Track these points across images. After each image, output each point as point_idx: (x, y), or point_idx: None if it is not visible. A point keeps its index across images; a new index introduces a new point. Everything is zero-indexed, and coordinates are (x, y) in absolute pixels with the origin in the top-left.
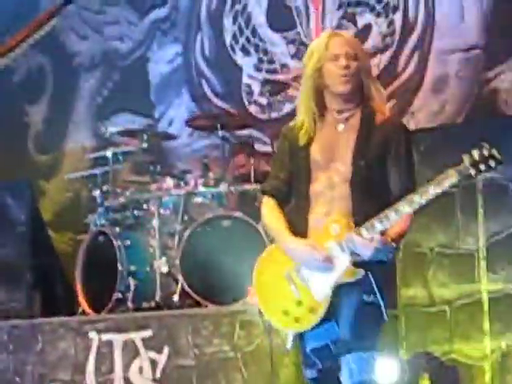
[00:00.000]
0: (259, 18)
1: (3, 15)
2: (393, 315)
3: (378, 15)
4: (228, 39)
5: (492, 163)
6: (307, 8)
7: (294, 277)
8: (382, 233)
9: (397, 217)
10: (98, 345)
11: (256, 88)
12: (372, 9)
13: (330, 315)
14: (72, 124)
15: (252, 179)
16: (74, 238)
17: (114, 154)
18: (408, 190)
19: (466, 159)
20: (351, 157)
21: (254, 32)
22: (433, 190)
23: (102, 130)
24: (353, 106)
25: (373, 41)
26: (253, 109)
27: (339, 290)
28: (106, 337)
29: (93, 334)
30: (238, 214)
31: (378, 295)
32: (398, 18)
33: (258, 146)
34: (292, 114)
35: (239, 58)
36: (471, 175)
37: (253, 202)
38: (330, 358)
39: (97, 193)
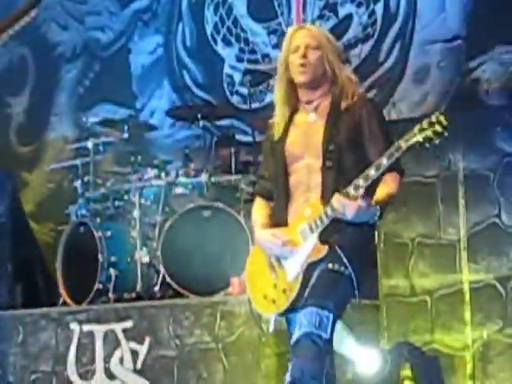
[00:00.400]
0: (240, 8)
1: None
2: (374, 305)
3: (359, 5)
4: (209, 30)
5: (438, 128)
6: None
7: (274, 262)
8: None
9: (378, 172)
10: (79, 336)
11: (237, 78)
12: None
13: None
14: (54, 115)
15: (233, 170)
16: (55, 228)
17: (95, 145)
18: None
19: (417, 126)
20: (321, 143)
21: (236, 22)
22: (404, 144)
23: (83, 121)
24: (320, 94)
25: (354, 31)
26: (234, 99)
27: (311, 267)
28: (87, 328)
29: (74, 325)
30: (218, 204)
31: (349, 267)
32: (379, 8)
33: (238, 137)
34: (273, 105)
35: (220, 48)
36: (420, 141)
37: (233, 193)
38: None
39: (78, 183)
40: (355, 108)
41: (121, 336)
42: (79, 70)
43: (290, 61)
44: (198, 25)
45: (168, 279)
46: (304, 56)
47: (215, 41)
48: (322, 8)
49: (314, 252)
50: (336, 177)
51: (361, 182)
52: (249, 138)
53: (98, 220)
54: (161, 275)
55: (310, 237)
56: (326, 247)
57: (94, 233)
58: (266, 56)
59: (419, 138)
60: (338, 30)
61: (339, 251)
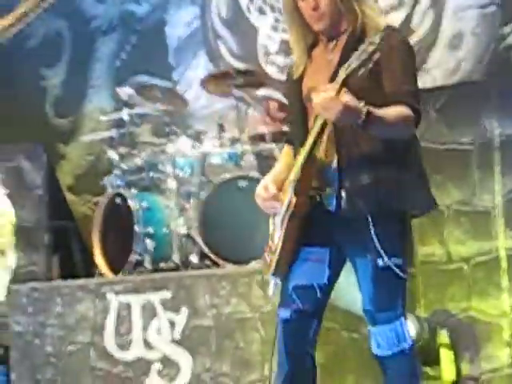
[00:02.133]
0: None
1: None
2: (410, 273)
3: None
4: (244, 0)
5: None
6: None
7: (271, 218)
8: None
9: (361, 54)
10: (116, 306)
11: (272, 48)
12: None
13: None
14: (90, 87)
15: (268, 139)
16: (92, 200)
17: (131, 116)
18: (408, 92)
19: None
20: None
21: None
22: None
23: (119, 92)
24: (342, 31)
25: None
26: (269, 69)
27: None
28: (124, 298)
29: (111, 296)
30: (254, 173)
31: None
32: None
33: (272, 105)
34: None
35: (255, 18)
36: None
37: (269, 162)
38: (311, 300)
39: (114, 155)
40: (379, 38)
41: (158, 306)
42: (115, 43)
43: (301, 7)
44: None
45: (204, 249)
46: (314, 7)
47: (250, 11)
48: None
49: (290, 203)
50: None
51: (341, 72)
52: None
53: (134, 191)
54: (197, 245)
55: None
56: (294, 198)
57: (130, 204)
58: None
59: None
60: None
61: (374, 238)
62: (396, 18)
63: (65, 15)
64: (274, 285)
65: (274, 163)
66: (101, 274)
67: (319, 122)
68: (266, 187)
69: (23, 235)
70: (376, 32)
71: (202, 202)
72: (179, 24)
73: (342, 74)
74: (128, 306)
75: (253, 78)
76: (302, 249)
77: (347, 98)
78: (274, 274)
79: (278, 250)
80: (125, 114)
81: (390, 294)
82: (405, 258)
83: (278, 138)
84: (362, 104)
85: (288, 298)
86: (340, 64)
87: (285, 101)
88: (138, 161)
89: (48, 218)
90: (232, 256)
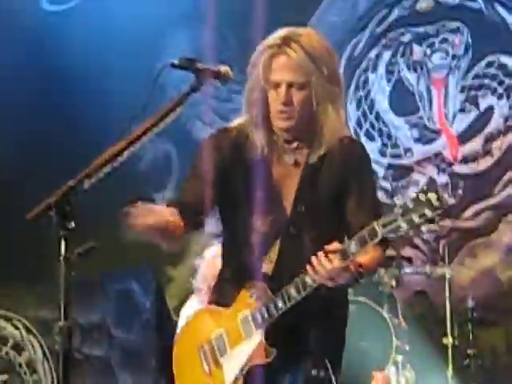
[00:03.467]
0: (382, 102)
1: (132, 105)
2: None
3: (500, 97)
4: (352, 125)
5: (428, 212)
6: (429, 91)
7: (209, 356)
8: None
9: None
10: None
11: (381, 173)
12: (494, 91)
13: None
14: None
15: None
16: None
17: None
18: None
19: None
20: (292, 201)
21: (378, 117)
22: (381, 231)
23: None
24: (303, 136)
25: (495, 123)
26: (379, 194)
27: (275, 372)
28: None
29: None
30: (361, 298)
31: (330, 369)
32: None
33: None
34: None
35: (363, 143)
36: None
37: (377, 287)
38: None
39: None
40: (342, 159)
41: None
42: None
43: (270, 95)
44: None
45: None
46: (286, 102)
47: (358, 136)
48: (463, 101)
49: (259, 354)
50: (299, 248)
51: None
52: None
53: None
54: None
55: (254, 333)
56: (275, 351)
57: None
58: (408, 150)
59: (402, 223)
60: (480, 123)
61: (318, 352)
62: (504, 142)
63: (173, 138)
64: None
65: (380, 288)
66: None
67: None
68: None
69: (131, 357)
70: (340, 150)
71: None
72: None
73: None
74: None
75: None
76: None
77: (354, 265)
78: None
79: None
80: None
81: None
82: None
83: (385, 263)
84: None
85: None
86: (303, 182)
87: None
88: None
89: (155, 340)
90: (338, 380)
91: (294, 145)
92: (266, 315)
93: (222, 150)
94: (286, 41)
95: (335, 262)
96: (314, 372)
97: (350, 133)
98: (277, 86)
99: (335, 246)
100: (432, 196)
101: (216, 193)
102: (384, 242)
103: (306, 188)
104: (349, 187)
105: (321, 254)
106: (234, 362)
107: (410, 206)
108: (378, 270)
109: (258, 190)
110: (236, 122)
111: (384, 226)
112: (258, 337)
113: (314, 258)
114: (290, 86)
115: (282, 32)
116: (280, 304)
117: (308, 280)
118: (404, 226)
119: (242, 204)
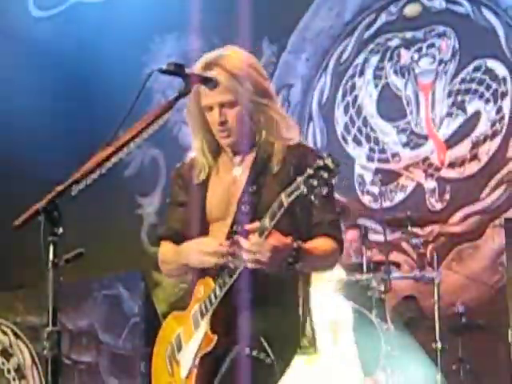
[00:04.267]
0: (370, 107)
1: (119, 110)
2: None
3: (487, 102)
4: (340, 130)
5: (325, 174)
6: (417, 96)
7: (170, 355)
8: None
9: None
10: None
11: (368, 178)
12: (481, 95)
13: None
14: None
15: (364, 269)
16: None
17: None
18: (331, 223)
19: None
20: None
21: (365, 122)
22: (286, 200)
23: None
24: (249, 145)
25: (482, 127)
26: (365, 199)
27: (214, 357)
28: None
29: None
30: (350, 303)
31: (271, 355)
32: (506, 103)
33: (370, 236)
34: (404, 203)
35: (351, 148)
36: (304, 193)
37: (365, 292)
38: None
39: None
40: (285, 162)
41: None
42: None
43: (209, 117)
44: (328, 125)
45: None
46: (221, 122)
47: (346, 141)
48: (451, 105)
49: (205, 342)
50: None
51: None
52: (380, 237)
53: None
54: None
55: (200, 324)
56: (216, 337)
57: None
58: (395, 155)
59: (303, 188)
60: (467, 127)
61: (259, 336)
62: (491, 147)
63: (160, 144)
64: None
65: (369, 293)
66: None
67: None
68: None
69: (118, 362)
70: (285, 151)
71: None
72: None
73: (279, 208)
74: None
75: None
76: None
77: (275, 238)
78: None
79: None
80: None
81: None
82: None
83: (374, 268)
84: (289, 240)
85: None
86: (248, 184)
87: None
88: None
89: (144, 345)
90: None
91: (240, 158)
92: (208, 304)
93: (184, 178)
94: (208, 66)
95: (252, 239)
96: (247, 351)
97: (300, 136)
98: (210, 108)
99: (252, 224)
100: (328, 161)
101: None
102: (333, 234)
103: (249, 191)
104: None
105: (237, 236)
106: (188, 355)
107: (311, 172)
108: (328, 263)
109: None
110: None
111: (288, 195)
112: (204, 327)
113: (230, 241)
114: (221, 106)
115: (203, 58)
116: (217, 291)
117: (230, 265)
118: (305, 190)
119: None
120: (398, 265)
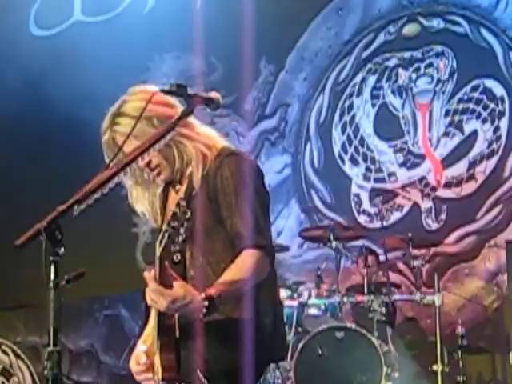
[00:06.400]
0: (367, 127)
1: None
2: None
3: (484, 121)
4: (337, 149)
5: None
6: (414, 116)
7: None
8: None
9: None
10: None
11: (364, 197)
12: (478, 115)
13: None
14: None
15: (365, 290)
16: None
17: None
18: (250, 232)
19: None
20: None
21: (362, 141)
22: None
23: None
24: (177, 177)
25: (479, 147)
26: (362, 218)
27: None
28: None
29: None
30: (351, 325)
31: None
32: (504, 123)
33: (370, 258)
34: (400, 223)
35: (348, 167)
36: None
37: (366, 313)
38: None
39: None
40: (210, 175)
41: None
42: None
43: (139, 165)
44: (325, 144)
45: None
46: (147, 164)
47: (343, 160)
48: (448, 125)
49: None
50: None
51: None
52: (381, 258)
53: None
54: None
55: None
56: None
57: None
58: (392, 174)
59: (169, 232)
60: (464, 147)
61: (201, 376)
62: (487, 166)
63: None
64: None
65: (370, 315)
66: None
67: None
68: (136, 360)
69: (120, 383)
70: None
71: (298, 352)
72: (270, 171)
73: (156, 259)
74: None
75: (351, 232)
76: None
77: (179, 288)
78: None
79: None
80: None
81: None
82: None
83: (375, 289)
84: (196, 294)
85: None
86: (175, 214)
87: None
88: None
89: None
90: None
91: (178, 186)
92: None
93: None
94: (115, 117)
95: (151, 286)
96: None
97: (226, 146)
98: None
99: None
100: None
101: None
102: (248, 245)
103: (181, 215)
104: (223, 201)
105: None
106: None
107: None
108: (255, 279)
109: None
110: None
111: (159, 244)
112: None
113: None
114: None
115: (109, 113)
116: None
117: None
118: (170, 232)
119: None
120: (398, 286)
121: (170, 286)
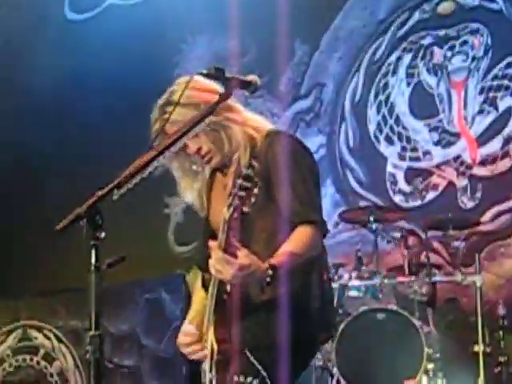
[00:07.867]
0: (402, 106)
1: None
2: None
3: None
4: (372, 129)
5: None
6: (449, 94)
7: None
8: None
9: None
10: None
11: (400, 177)
12: None
13: None
14: None
15: (406, 271)
16: None
17: None
18: (306, 209)
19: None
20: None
21: (398, 121)
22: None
23: None
24: (226, 162)
25: None
26: (397, 198)
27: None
28: None
29: None
30: (392, 306)
31: (263, 372)
32: None
33: (411, 239)
34: (435, 202)
35: (383, 147)
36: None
37: (407, 295)
38: None
39: None
40: (261, 155)
41: None
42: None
43: (187, 151)
44: (360, 124)
45: (342, 382)
46: (197, 149)
47: (378, 140)
48: (482, 102)
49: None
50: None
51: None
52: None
53: None
54: (335, 378)
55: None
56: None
57: None
58: (427, 153)
59: (240, 195)
60: (498, 124)
61: (248, 355)
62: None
63: None
64: None
65: (411, 296)
66: None
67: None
68: (185, 333)
69: (161, 366)
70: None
71: (339, 334)
72: None
73: (224, 223)
74: None
75: (391, 214)
76: None
77: (243, 257)
78: None
79: None
80: None
81: None
82: None
83: (416, 270)
84: (260, 263)
85: None
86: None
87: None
88: None
89: None
90: None
91: (225, 170)
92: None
93: None
94: (164, 107)
95: (216, 255)
96: (235, 378)
97: (275, 127)
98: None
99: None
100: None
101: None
102: (304, 220)
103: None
104: (275, 179)
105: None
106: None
107: (240, 182)
108: (310, 253)
109: None
110: None
111: (227, 208)
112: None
113: None
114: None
115: (157, 105)
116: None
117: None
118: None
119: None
120: (438, 267)
121: (234, 256)
